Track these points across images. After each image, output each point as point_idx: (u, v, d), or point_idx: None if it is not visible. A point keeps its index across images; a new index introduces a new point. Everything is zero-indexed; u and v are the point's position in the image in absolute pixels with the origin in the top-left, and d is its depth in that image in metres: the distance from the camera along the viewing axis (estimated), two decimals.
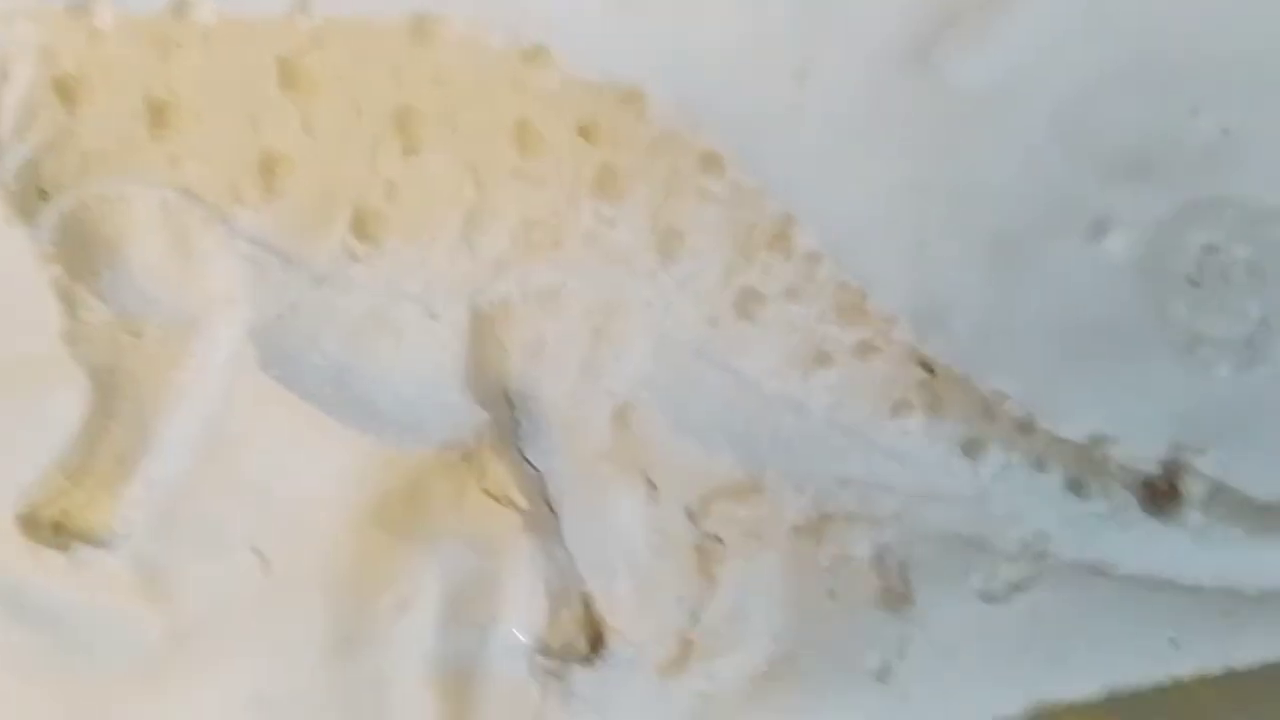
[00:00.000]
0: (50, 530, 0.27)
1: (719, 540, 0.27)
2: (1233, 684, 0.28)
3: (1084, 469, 0.27)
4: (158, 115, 0.28)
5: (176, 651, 0.27)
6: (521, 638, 0.27)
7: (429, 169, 0.28)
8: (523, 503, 0.27)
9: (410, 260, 0.28)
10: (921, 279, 0.26)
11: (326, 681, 0.26)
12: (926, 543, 0.26)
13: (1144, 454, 0.26)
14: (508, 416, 0.28)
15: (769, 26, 0.27)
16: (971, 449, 0.27)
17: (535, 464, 0.28)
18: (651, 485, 0.27)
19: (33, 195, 0.27)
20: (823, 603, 0.26)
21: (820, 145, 0.27)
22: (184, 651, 0.26)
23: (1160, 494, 0.27)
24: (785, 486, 0.27)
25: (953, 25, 0.27)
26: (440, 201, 0.28)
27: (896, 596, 0.26)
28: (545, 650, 0.27)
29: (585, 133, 0.28)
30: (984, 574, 0.26)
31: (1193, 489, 0.27)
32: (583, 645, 0.28)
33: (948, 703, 0.26)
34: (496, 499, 0.27)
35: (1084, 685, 0.26)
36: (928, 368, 0.27)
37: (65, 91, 0.27)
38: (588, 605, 0.28)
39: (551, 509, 0.28)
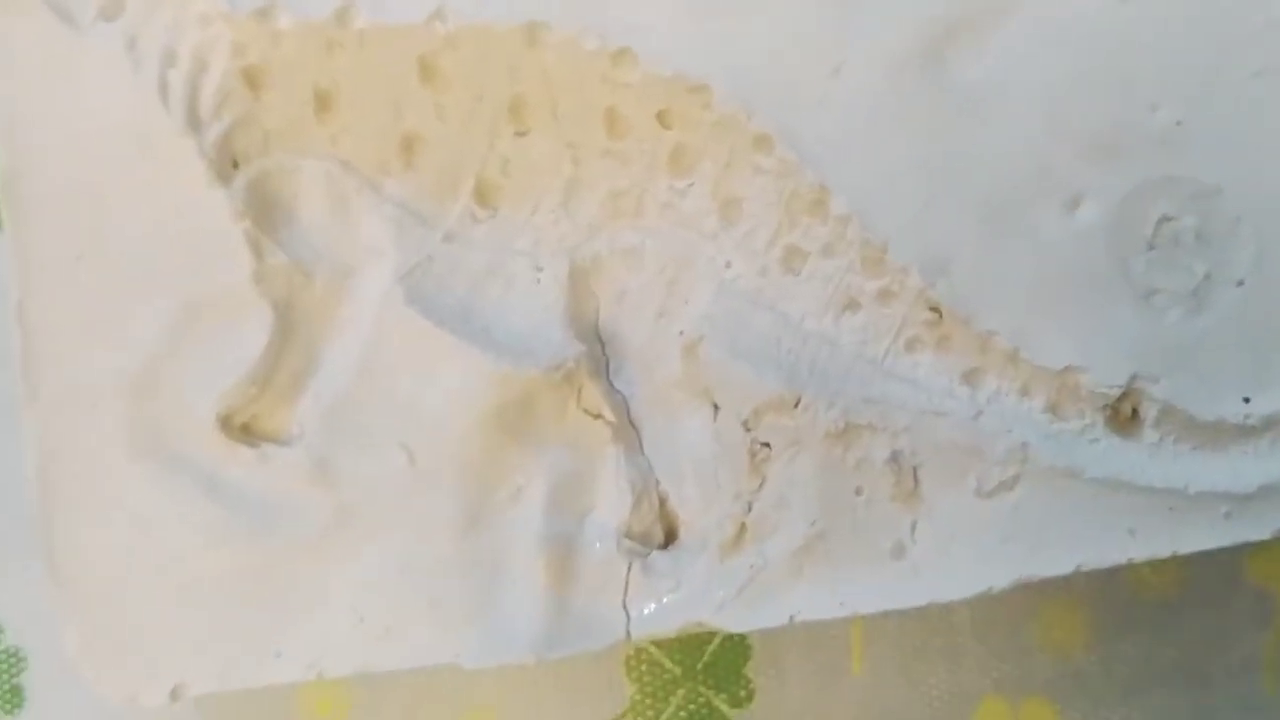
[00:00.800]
0: (241, 431, 0.31)
1: (767, 445, 0.30)
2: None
3: (1060, 394, 0.30)
4: (323, 101, 0.32)
5: (340, 527, 0.31)
6: (612, 524, 0.31)
7: (536, 148, 0.32)
8: (611, 418, 0.31)
9: (520, 223, 0.32)
10: (929, 237, 0.30)
11: (457, 553, 0.30)
12: (932, 449, 0.30)
13: (1108, 382, 0.29)
14: (599, 350, 0.32)
15: (810, 31, 0.31)
16: (970, 377, 0.30)
17: (621, 389, 0.32)
18: (714, 404, 0.31)
19: (227, 164, 0.31)
20: (849, 495, 0.30)
21: (850, 128, 0.30)
22: (346, 527, 0.30)
23: (1121, 415, 0.30)
24: (819, 403, 0.30)
25: (958, 32, 0.31)
26: (545, 175, 0.32)
27: (907, 492, 0.30)
28: (630, 535, 0.31)
29: (661, 118, 0.31)
30: (977, 475, 0.30)
31: (1148, 411, 0.30)
32: (659, 534, 0.31)
33: (949, 576, 0.29)
34: (591, 414, 0.31)
35: (1059, 566, 0.29)
36: (935, 310, 0.30)
37: (251, 80, 0.31)
38: (663, 501, 0.31)
39: (634, 425, 0.31)
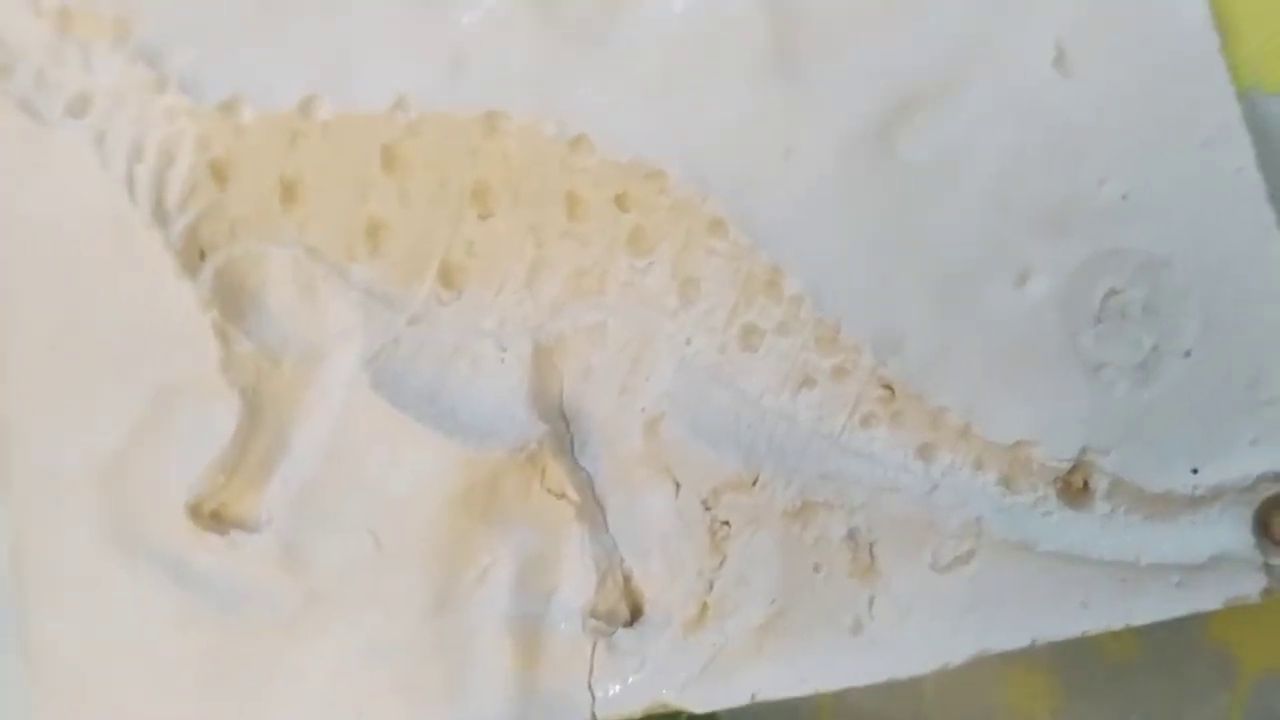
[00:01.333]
0: (211, 518, 0.31)
1: (726, 524, 0.30)
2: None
3: (1012, 468, 0.30)
4: (288, 191, 0.32)
5: (308, 611, 0.31)
6: (577, 603, 0.31)
7: (499, 231, 0.33)
8: (575, 497, 0.31)
9: (485, 303, 0.33)
10: (882, 315, 0.30)
11: (425, 634, 0.31)
12: (888, 525, 0.30)
13: (1059, 456, 0.30)
14: (563, 428, 0.32)
15: (761, 115, 0.31)
16: (924, 452, 0.30)
17: (585, 466, 0.32)
18: (675, 482, 0.31)
19: (194, 254, 0.32)
20: (808, 572, 0.30)
21: (802, 209, 0.31)
22: (314, 611, 0.31)
23: (1073, 487, 0.30)
24: (777, 480, 0.30)
25: (907, 113, 0.31)
26: (509, 257, 0.32)
27: (864, 568, 0.30)
28: (595, 614, 0.31)
29: (619, 202, 0.32)
30: (933, 549, 0.30)
31: (1098, 483, 0.30)
32: (624, 611, 0.31)
33: (908, 651, 0.29)
34: (555, 494, 0.31)
35: (1014, 639, 0.29)
36: (888, 387, 0.30)
37: (217, 172, 0.32)
38: (628, 579, 0.31)
39: (598, 502, 0.32)
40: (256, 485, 0.32)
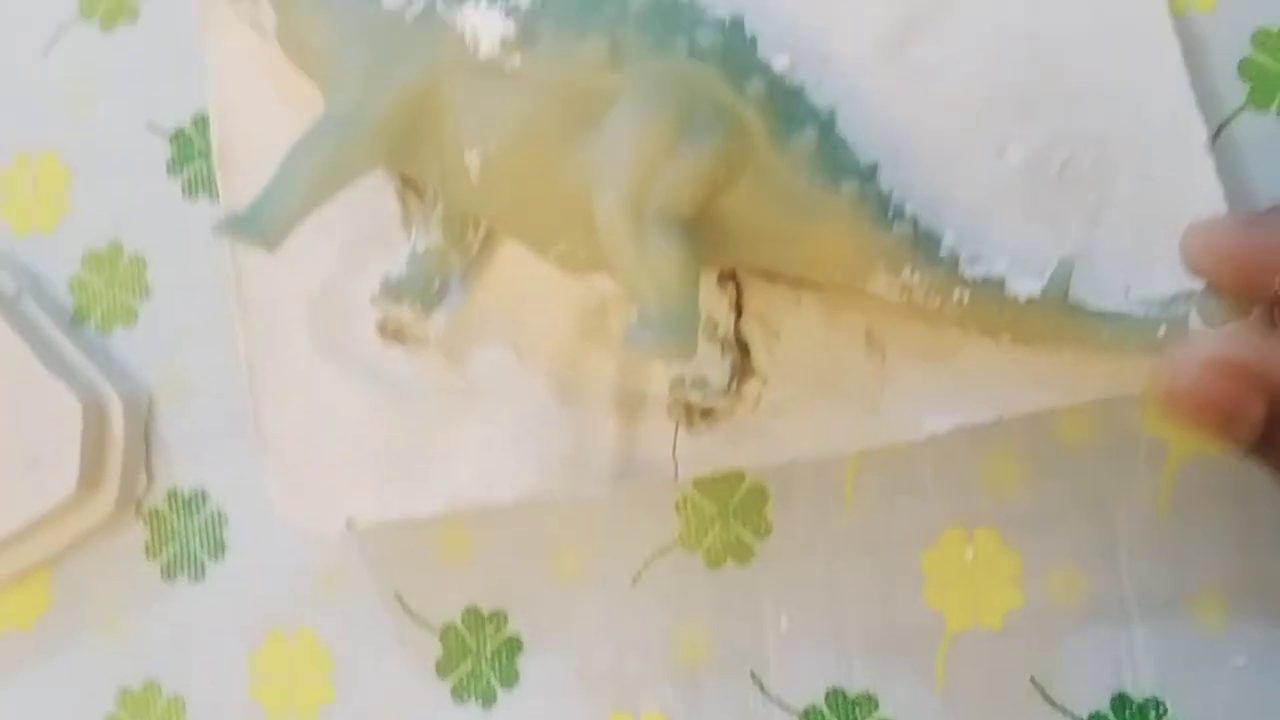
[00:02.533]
0: (393, 334, 0.41)
1: (777, 335, 0.41)
2: None
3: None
4: None
5: (467, 400, 0.40)
6: (663, 395, 0.40)
7: None
8: None
9: None
10: (897, 175, 0.37)
11: (552, 419, 0.39)
12: (899, 329, 0.39)
13: (1028, 285, 0.36)
14: None
15: (808, 28, 0.40)
16: None
17: None
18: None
19: None
20: (837, 368, 0.40)
21: (838, 100, 0.37)
22: (472, 400, 0.40)
23: None
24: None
25: (916, 26, 0.40)
26: None
27: (878, 363, 0.39)
28: (676, 401, 0.39)
29: None
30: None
31: None
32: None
33: (907, 425, 0.40)
34: None
35: (984, 416, 0.37)
36: None
37: None
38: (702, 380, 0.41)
39: None
40: (427, 310, 0.42)
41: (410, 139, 0.36)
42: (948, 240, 0.37)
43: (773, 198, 0.35)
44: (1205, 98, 0.40)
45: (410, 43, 0.36)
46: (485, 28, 0.35)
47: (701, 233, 0.35)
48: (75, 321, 0.47)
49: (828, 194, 0.35)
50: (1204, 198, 0.39)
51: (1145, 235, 0.39)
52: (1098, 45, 0.40)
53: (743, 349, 0.40)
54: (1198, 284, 0.37)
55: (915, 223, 0.36)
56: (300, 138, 0.36)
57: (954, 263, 0.36)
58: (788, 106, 0.35)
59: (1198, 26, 0.42)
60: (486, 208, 0.38)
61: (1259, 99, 0.42)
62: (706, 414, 0.40)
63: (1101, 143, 0.39)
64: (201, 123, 0.46)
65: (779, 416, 0.40)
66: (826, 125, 0.36)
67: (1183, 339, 0.34)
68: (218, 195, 0.43)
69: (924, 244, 0.36)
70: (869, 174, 0.36)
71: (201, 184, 0.47)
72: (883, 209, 0.35)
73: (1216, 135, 0.41)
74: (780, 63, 0.36)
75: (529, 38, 0.34)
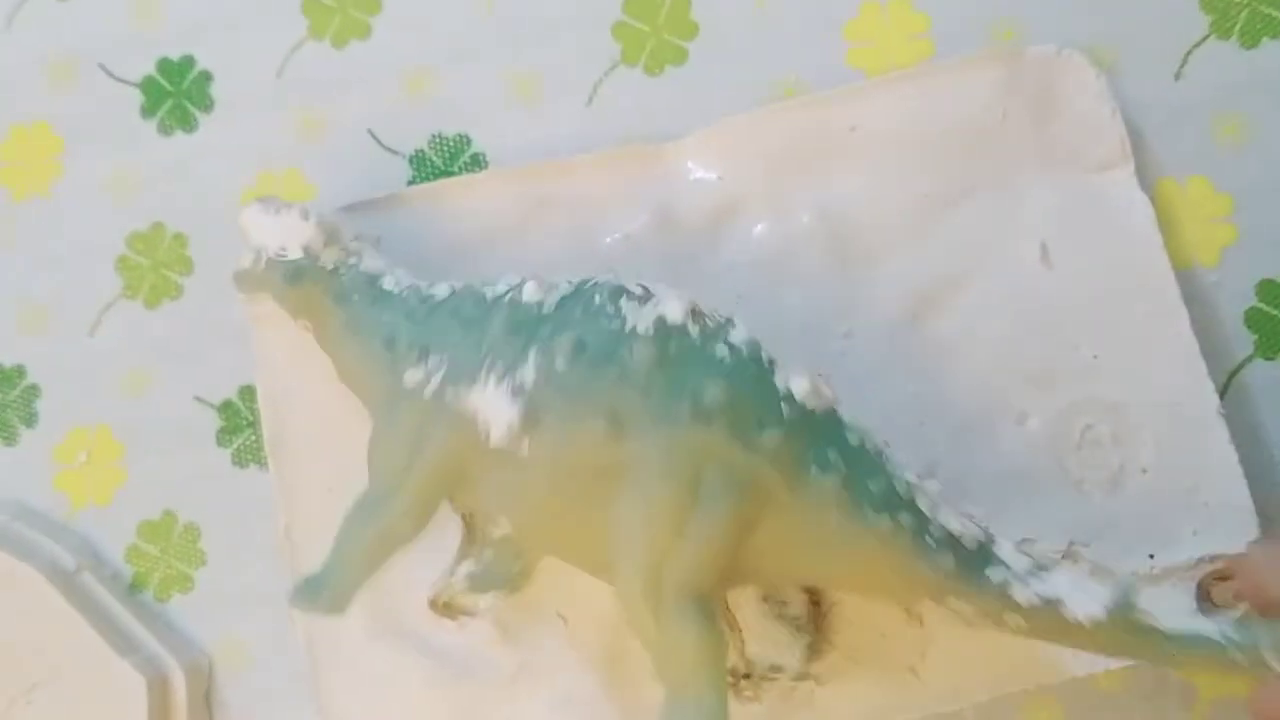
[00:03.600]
0: (444, 608, 0.42)
1: (817, 604, 0.43)
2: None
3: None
4: None
5: (520, 673, 0.41)
6: None
7: None
8: None
9: None
10: (919, 449, 0.40)
11: (604, 685, 0.41)
12: None
13: (1054, 548, 0.39)
14: None
15: (828, 309, 0.42)
16: None
17: None
18: None
19: None
20: (876, 636, 0.41)
21: (859, 376, 0.41)
22: (525, 672, 0.41)
23: None
24: None
25: (930, 302, 0.42)
26: None
27: (916, 628, 0.40)
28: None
29: None
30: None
31: (1083, 567, 0.39)
32: (742, 669, 0.41)
33: (950, 689, 0.41)
34: None
35: (1023, 681, 0.39)
36: None
37: None
38: (743, 644, 0.41)
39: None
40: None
41: (449, 498, 0.38)
42: (1002, 553, 0.36)
43: (799, 537, 0.35)
44: (1214, 349, 0.42)
45: (432, 421, 0.37)
46: (494, 415, 0.35)
47: (733, 564, 0.35)
48: (133, 590, 0.48)
49: (858, 530, 0.34)
50: (1220, 461, 0.40)
51: (1166, 500, 0.41)
52: (1108, 312, 0.42)
53: (815, 623, 0.41)
54: (1217, 549, 0.39)
55: (957, 548, 0.35)
56: (350, 512, 0.38)
57: (1004, 587, 0.34)
58: (810, 440, 0.34)
59: (1203, 280, 0.44)
60: (530, 550, 0.39)
61: (1266, 348, 0.43)
62: (757, 688, 0.42)
63: (1118, 411, 0.41)
64: (247, 393, 0.48)
65: (822, 684, 0.41)
66: (854, 455, 0.35)
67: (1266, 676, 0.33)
68: (266, 464, 0.45)
69: (968, 571, 0.35)
70: (903, 501, 0.34)
71: (250, 453, 0.48)
72: (920, 539, 0.34)
73: (1226, 386, 0.42)
74: (800, 386, 0.35)
75: (532, 422, 0.34)
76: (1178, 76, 0.46)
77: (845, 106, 0.44)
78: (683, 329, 0.35)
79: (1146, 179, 0.44)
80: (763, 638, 0.42)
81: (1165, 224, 0.43)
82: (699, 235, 0.44)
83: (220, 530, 0.48)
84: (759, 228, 0.44)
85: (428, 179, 0.48)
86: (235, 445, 0.48)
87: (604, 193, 0.45)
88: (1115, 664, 0.39)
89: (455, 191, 0.45)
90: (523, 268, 0.44)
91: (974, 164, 0.44)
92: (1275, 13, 0.45)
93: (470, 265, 0.44)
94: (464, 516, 0.43)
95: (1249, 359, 0.44)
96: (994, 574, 0.35)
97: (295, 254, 0.41)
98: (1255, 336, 0.44)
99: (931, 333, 0.42)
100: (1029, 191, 0.43)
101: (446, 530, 0.43)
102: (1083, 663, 0.40)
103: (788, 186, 0.44)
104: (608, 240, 0.44)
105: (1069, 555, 0.40)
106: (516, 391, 0.35)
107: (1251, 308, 0.44)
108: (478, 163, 0.48)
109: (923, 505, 0.35)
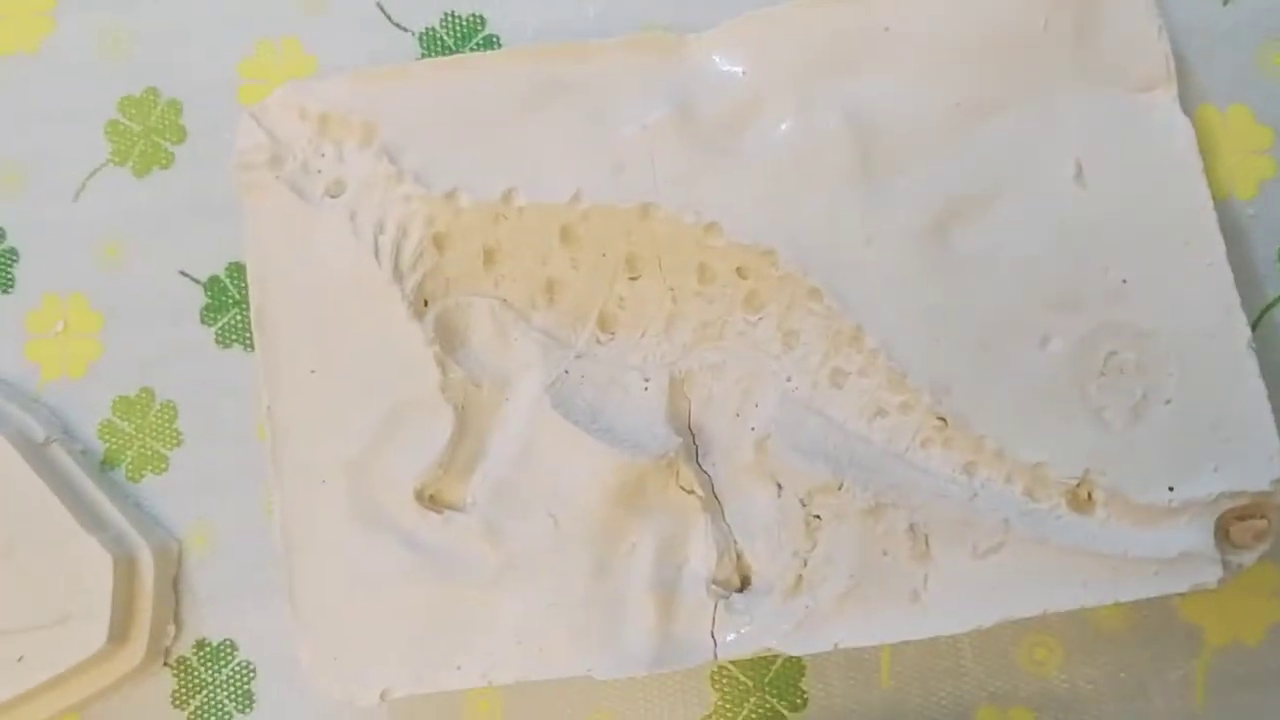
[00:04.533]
0: (430, 500, 0.41)
1: (818, 517, 0.39)
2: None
3: (1033, 482, 0.38)
4: (489, 256, 0.42)
5: (504, 574, 0.39)
6: (702, 573, 0.39)
7: (645, 290, 0.42)
8: (700, 494, 0.40)
9: (632, 344, 0.42)
10: (937, 366, 0.38)
11: (591, 593, 0.39)
12: (940, 522, 0.38)
13: (1069, 474, 0.37)
14: (691, 441, 0.41)
15: (849, 213, 0.40)
16: (968, 468, 0.38)
17: (707, 470, 0.41)
18: (777, 485, 0.39)
19: (421, 304, 0.42)
20: (878, 555, 0.38)
21: (879, 286, 0.39)
22: (509, 574, 0.39)
23: (1079, 499, 0.38)
24: (857, 486, 0.38)
25: (958, 214, 0.40)
26: (651, 309, 0.42)
27: (920, 554, 0.38)
28: (715, 581, 0.39)
29: (739, 272, 0.41)
30: (973, 541, 0.38)
31: (1098, 497, 0.38)
32: (736, 581, 0.40)
33: (951, 616, 0.37)
34: (686, 491, 0.40)
35: (1030, 610, 0.37)
36: (942, 419, 0.38)
37: (439, 242, 0.42)
38: (740, 557, 0.40)
39: (717, 499, 0.40)
40: (463, 477, 0.41)
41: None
42: None
43: None
44: (1243, 286, 0.40)
45: None
46: None
47: None
48: (104, 467, 0.46)
49: None
50: (1248, 397, 0.39)
51: (1189, 433, 0.39)
52: (1141, 237, 0.40)
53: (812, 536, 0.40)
54: (1239, 486, 0.37)
55: None
56: None
57: None
58: None
59: (1239, 214, 0.43)
60: None
61: None
62: (745, 585, 0.40)
63: (1146, 338, 0.40)
64: (236, 271, 0.45)
65: (818, 601, 0.39)
66: None
67: None
68: (251, 346, 0.43)
69: None
70: None
71: (235, 333, 0.46)
72: None
73: (1256, 324, 0.41)
74: None
75: None
76: (1226, 1, 0.43)
77: (880, 5, 0.42)
78: None
79: (1187, 104, 0.42)
80: (760, 550, 0.40)
81: (1203, 152, 0.41)
82: (720, 131, 0.42)
83: (199, 411, 0.46)
84: (784, 126, 0.42)
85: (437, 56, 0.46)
86: (220, 324, 0.46)
87: (622, 80, 0.43)
88: (1124, 596, 0.38)
89: (465, 68, 0.43)
90: (533, 153, 0.42)
91: (1011, 73, 0.42)
92: None
93: (478, 146, 0.42)
94: (456, 406, 0.41)
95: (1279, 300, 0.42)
96: None
97: None
98: None
99: (956, 246, 0.40)
100: (1066, 106, 0.41)
101: (436, 418, 0.41)
102: (1091, 593, 0.38)
103: (816, 86, 0.42)
104: (624, 130, 0.42)
105: (1085, 484, 0.39)
106: None
107: None
108: (491, 45, 0.46)
109: None
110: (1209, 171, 0.40)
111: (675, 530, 0.40)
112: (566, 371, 0.42)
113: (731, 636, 0.39)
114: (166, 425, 0.46)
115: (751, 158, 0.42)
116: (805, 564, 0.40)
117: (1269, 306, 0.42)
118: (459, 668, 0.40)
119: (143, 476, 0.45)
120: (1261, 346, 0.40)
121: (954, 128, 0.41)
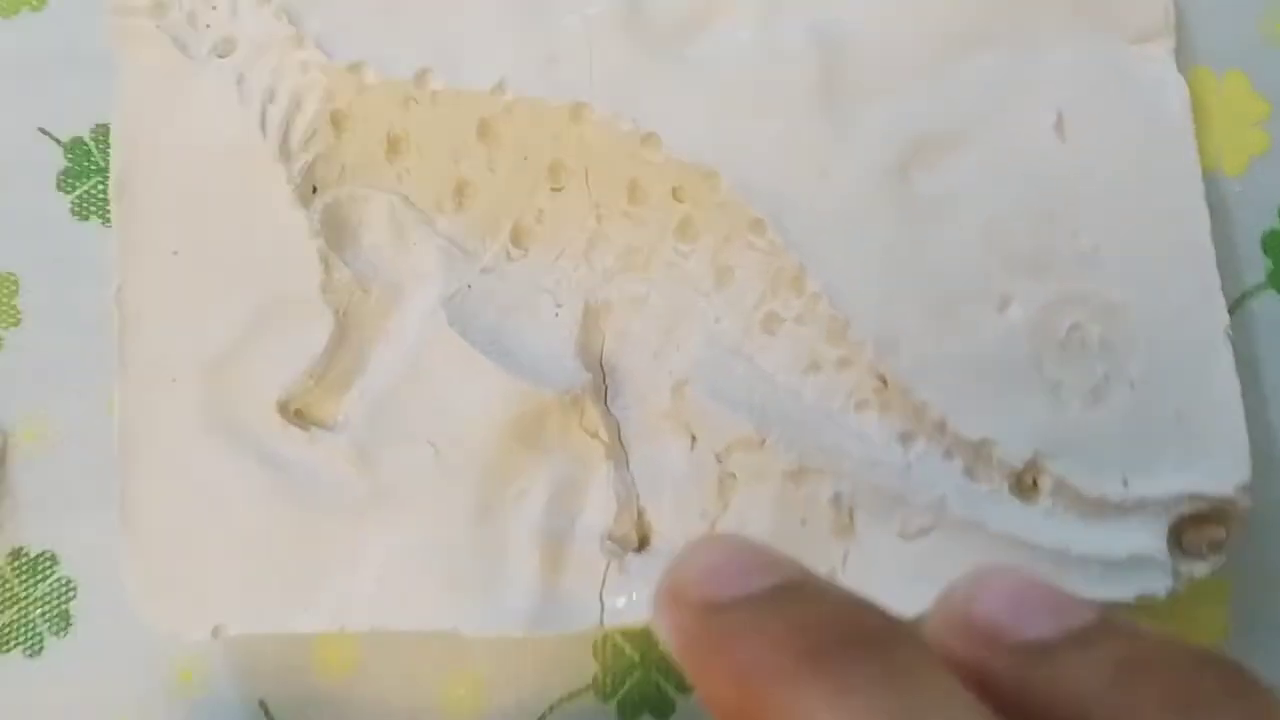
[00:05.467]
0: (296, 415, 0.36)
1: (733, 475, 0.35)
2: None
3: (976, 460, 0.35)
4: (394, 145, 0.37)
5: (372, 505, 0.35)
6: (597, 527, 0.35)
7: (567, 204, 0.37)
8: (605, 438, 0.36)
9: (547, 264, 0.37)
10: (884, 320, 0.35)
11: (468, 538, 0.35)
12: (868, 494, 0.34)
13: (1016, 456, 0.34)
14: (601, 379, 0.37)
15: (805, 139, 0.36)
16: (905, 438, 0.35)
17: (615, 413, 0.36)
18: (692, 436, 0.36)
19: (309, 189, 0.37)
20: (796, 525, 0.35)
21: (829, 222, 0.35)
22: (377, 507, 0.35)
23: (1024, 483, 0.35)
24: (781, 445, 0.35)
25: (922, 153, 0.36)
26: (572, 227, 0.37)
27: (843, 527, 0.35)
28: (611, 537, 0.35)
29: (675, 194, 0.37)
30: (902, 519, 0.34)
31: (1045, 483, 0.34)
32: (634, 539, 0.36)
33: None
34: (589, 433, 0.36)
35: None
36: (882, 380, 0.35)
37: (337, 122, 0.37)
38: (641, 513, 0.36)
39: (623, 445, 0.36)
40: (337, 392, 0.37)
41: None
42: None
43: None
44: (1223, 267, 0.37)
45: None
46: None
47: None
48: None
49: None
50: (1219, 389, 0.35)
51: (1152, 421, 0.35)
52: (1119, 201, 0.37)
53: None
54: (1200, 487, 0.34)
55: None
56: None
57: None
58: None
59: (1225, 189, 0.39)
60: None
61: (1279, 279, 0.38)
62: (644, 545, 0.36)
63: (1114, 313, 0.36)
64: (103, 134, 0.39)
65: None
66: None
67: None
68: (110, 221, 0.37)
69: None
70: None
71: (94, 205, 0.40)
72: None
73: (1233, 311, 0.37)
74: None
75: None
76: None
77: None
78: None
79: (1180, 64, 0.38)
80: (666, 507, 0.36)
81: (1197, 113, 0.37)
82: (671, 32, 0.38)
83: (42, 287, 0.40)
84: (743, 35, 0.37)
85: None
86: (78, 192, 0.41)
87: None
88: None
89: None
90: (455, 31, 0.37)
91: (997, 6, 0.38)
92: None
93: (393, 16, 0.37)
94: (337, 310, 0.36)
95: (1260, 288, 0.39)
96: None
97: None
98: (1269, 263, 0.39)
99: (918, 189, 0.36)
100: (1053, 50, 0.38)
101: (313, 321, 0.37)
102: None
103: None
104: (563, 18, 0.37)
105: (1031, 467, 0.35)
106: None
107: (1271, 230, 0.39)
108: None
109: None
110: (1197, 140, 0.37)
111: (573, 476, 0.36)
112: (469, 286, 0.37)
113: (622, 601, 0.35)
114: (4, 301, 0.40)
115: (702, 67, 0.37)
116: (713, 526, 0.36)
117: (1248, 294, 0.38)
118: (308, 608, 0.35)
119: None
120: (1237, 336, 0.36)
121: (929, 59, 0.37)
